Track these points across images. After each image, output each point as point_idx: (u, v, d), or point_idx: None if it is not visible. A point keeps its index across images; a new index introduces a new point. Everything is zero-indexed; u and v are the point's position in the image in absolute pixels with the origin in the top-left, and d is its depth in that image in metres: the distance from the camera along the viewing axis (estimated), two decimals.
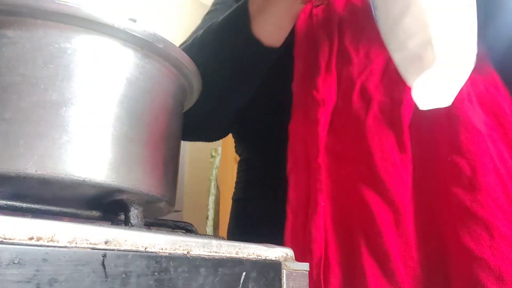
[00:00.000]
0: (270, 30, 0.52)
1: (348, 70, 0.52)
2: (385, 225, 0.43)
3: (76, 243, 0.23)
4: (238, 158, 0.72)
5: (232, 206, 0.69)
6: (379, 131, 0.47)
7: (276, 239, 0.41)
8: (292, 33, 0.56)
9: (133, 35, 0.35)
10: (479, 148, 0.44)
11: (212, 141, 0.71)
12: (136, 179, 0.35)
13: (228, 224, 0.69)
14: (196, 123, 0.57)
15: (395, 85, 0.49)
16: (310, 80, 0.52)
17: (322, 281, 0.43)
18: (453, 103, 0.43)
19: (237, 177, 0.70)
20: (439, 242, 0.44)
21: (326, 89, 0.51)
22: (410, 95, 0.46)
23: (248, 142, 0.68)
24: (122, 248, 0.25)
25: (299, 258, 0.41)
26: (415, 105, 0.45)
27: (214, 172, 2.44)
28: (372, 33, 0.52)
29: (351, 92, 0.50)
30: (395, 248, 0.43)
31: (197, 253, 0.29)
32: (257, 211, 0.61)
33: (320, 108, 0.50)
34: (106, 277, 0.24)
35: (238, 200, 0.67)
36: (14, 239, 0.21)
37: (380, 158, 0.46)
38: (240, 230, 0.65)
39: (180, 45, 0.62)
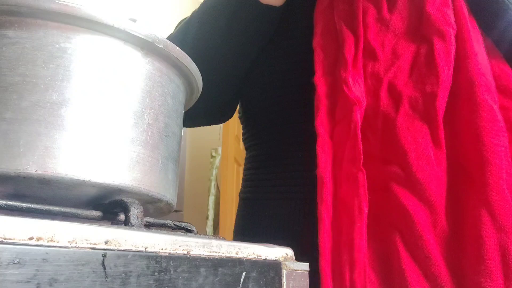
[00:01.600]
0: None
1: (374, 66, 0.50)
2: (424, 227, 0.42)
3: (76, 243, 0.23)
4: (238, 158, 0.71)
5: (239, 204, 0.67)
6: (412, 129, 0.46)
7: (285, 240, 0.40)
8: (309, 21, 0.54)
9: (133, 35, 0.35)
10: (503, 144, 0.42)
11: (214, 123, 0.69)
12: (136, 179, 0.35)
13: (235, 223, 0.67)
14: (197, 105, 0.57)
15: (427, 79, 0.47)
16: (336, 76, 0.50)
17: None
18: (474, 89, 0.42)
19: (245, 174, 0.67)
20: (475, 243, 0.42)
21: (358, 87, 0.49)
22: (443, 87, 0.45)
23: (260, 138, 0.64)
24: (122, 248, 0.25)
25: (334, 265, 0.39)
26: (451, 95, 0.45)
27: (214, 172, 2.44)
28: (398, 26, 0.51)
29: (379, 90, 0.49)
30: (436, 251, 0.42)
31: (197, 253, 0.29)
32: (267, 211, 0.59)
33: (355, 108, 0.47)
34: (106, 277, 0.24)
35: (247, 200, 0.65)
36: (14, 239, 0.21)
37: (414, 157, 0.44)
38: (249, 231, 0.62)
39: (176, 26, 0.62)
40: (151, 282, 0.26)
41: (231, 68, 0.60)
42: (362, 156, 0.45)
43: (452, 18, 0.49)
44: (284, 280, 0.34)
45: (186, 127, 0.70)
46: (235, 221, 0.68)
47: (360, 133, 0.47)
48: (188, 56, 0.41)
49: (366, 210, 0.44)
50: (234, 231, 0.67)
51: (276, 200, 0.59)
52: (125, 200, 0.32)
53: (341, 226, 0.45)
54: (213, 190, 2.42)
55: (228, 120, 0.71)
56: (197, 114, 0.60)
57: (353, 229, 0.43)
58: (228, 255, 0.31)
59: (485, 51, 0.49)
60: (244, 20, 0.54)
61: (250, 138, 0.67)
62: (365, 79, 0.50)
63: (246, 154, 0.69)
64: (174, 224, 0.40)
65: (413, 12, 0.51)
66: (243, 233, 0.64)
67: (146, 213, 0.35)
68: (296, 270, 0.35)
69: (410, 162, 0.44)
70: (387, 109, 0.48)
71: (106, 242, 0.24)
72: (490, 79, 0.47)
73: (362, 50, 0.50)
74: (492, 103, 0.45)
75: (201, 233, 0.44)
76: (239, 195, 0.68)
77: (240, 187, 0.69)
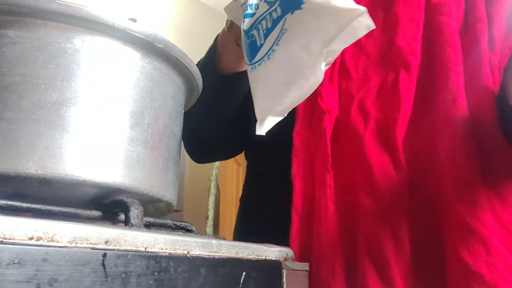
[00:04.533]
0: (234, 61, 0.60)
1: (348, 84, 0.55)
2: (384, 235, 0.45)
3: (76, 243, 0.23)
4: (238, 158, 0.74)
5: (239, 207, 0.72)
6: (376, 147, 0.50)
7: (281, 242, 0.43)
8: None
9: (133, 35, 0.35)
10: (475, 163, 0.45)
11: (228, 159, 0.78)
12: (136, 179, 0.35)
13: (234, 226, 0.71)
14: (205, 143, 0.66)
15: (390, 105, 0.51)
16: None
17: (331, 284, 0.45)
18: (450, 111, 0.46)
19: (244, 180, 0.73)
20: (437, 255, 0.45)
21: (330, 99, 0.54)
22: (403, 115, 0.50)
23: (254, 147, 0.70)
24: (122, 248, 0.25)
25: (304, 260, 0.41)
26: (410, 122, 0.50)
27: (214, 172, 2.44)
28: (371, 51, 0.56)
29: (350, 106, 0.53)
30: (394, 258, 0.45)
31: (197, 253, 0.29)
32: (262, 214, 0.62)
33: (326, 116, 0.52)
34: (106, 277, 0.24)
35: (244, 203, 0.70)
36: (14, 239, 0.21)
37: (378, 172, 0.48)
38: (246, 233, 0.66)
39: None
40: (151, 282, 0.26)
41: (225, 127, 0.67)
42: (330, 158, 0.50)
43: (418, 51, 0.54)
44: (284, 280, 0.34)
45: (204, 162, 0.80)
46: (235, 224, 0.72)
47: (329, 138, 0.51)
48: (188, 56, 0.41)
49: (332, 208, 0.48)
50: (233, 233, 0.69)
51: (271, 202, 0.62)
52: (125, 200, 0.32)
53: (312, 225, 0.49)
54: (213, 190, 2.42)
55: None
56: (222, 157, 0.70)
57: (320, 227, 0.47)
58: (228, 255, 0.31)
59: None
60: (209, 90, 0.60)
61: (246, 152, 0.74)
62: (340, 95, 0.55)
63: (247, 164, 0.74)
64: (174, 224, 0.40)
65: (386, 41, 0.55)
66: (241, 234, 0.67)
67: (146, 213, 0.35)
68: (296, 270, 0.35)
69: (375, 176, 0.48)
70: (357, 124, 0.52)
71: (106, 242, 0.24)
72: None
73: (338, 68, 0.55)
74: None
75: (201, 233, 0.44)
76: (239, 200, 0.72)
77: (240, 187, 0.71)
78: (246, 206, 0.69)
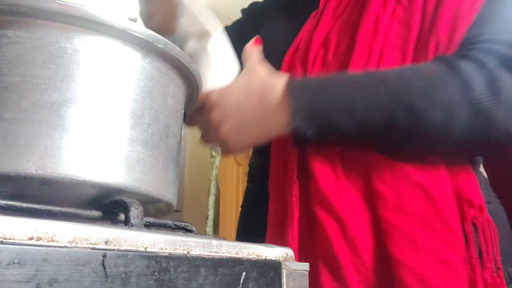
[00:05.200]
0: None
1: None
2: (334, 236, 0.51)
3: (76, 243, 0.23)
4: (238, 158, 0.76)
5: (240, 213, 0.77)
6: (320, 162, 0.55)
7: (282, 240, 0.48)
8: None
9: (133, 35, 0.35)
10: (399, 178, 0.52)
11: None
12: (136, 179, 0.35)
13: (236, 230, 0.77)
14: None
15: None
16: None
17: None
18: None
19: (246, 187, 0.78)
20: (384, 252, 0.51)
21: None
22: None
23: (251, 158, 0.76)
24: (122, 248, 0.25)
25: None
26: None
27: (214, 172, 2.44)
28: (333, 69, 0.61)
29: None
30: (345, 256, 0.50)
31: (197, 253, 0.29)
32: (259, 219, 0.65)
33: None
34: (106, 277, 0.24)
35: (243, 208, 0.75)
36: (14, 239, 0.21)
37: (322, 182, 0.54)
38: (244, 236, 0.71)
39: None
40: (151, 282, 0.26)
41: None
42: (296, 168, 0.56)
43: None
44: (284, 280, 0.34)
45: None
46: (236, 229, 0.78)
47: (296, 151, 0.56)
48: (188, 56, 0.41)
49: (297, 215, 0.54)
50: (235, 238, 0.72)
51: (262, 208, 0.66)
52: (125, 200, 0.32)
53: (281, 230, 0.56)
54: (213, 190, 2.42)
55: None
56: None
57: (286, 233, 0.54)
58: (228, 255, 0.31)
59: None
60: None
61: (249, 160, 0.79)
62: None
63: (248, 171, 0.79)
64: (174, 224, 0.40)
65: (342, 63, 0.59)
66: (242, 235, 0.72)
67: (146, 213, 0.35)
68: (296, 270, 0.35)
69: (319, 184, 0.53)
70: None
71: (106, 242, 0.24)
72: None
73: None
74: None
75: (201, 233, 0.44)
76: (241, 206, 0.77)
77: (240, 187, 0.75)
78: (244, 211, 0.75)
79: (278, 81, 0.53)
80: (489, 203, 0.58)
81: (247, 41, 0.61)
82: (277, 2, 0.77)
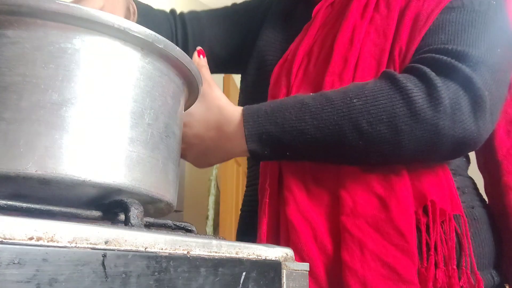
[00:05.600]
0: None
1: None
2: (306, 238, 0.55)
3: (76, 243, 0.23)
4: (238, 158, 0.76)
5: (239, 215, 0.79)
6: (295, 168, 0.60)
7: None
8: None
9: (133, 35, 0.35)
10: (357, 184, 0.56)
11: None
12: (136, 179, 0.35)
13: (236, 232, 0.79)
14: None
15: None
16: None
17: None
18: None
19: (244, 191, 0.80)
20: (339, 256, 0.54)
21: None
22: None
23: (250, 162, 0.79)
24: (122, 248, 0.25)
25: None
26: None
27: (214, 172, 2.44)
28: (313, 79, 0.65)
29: None
30: (317, 256, 0.54)
31: (197, 253, 0.29)
32: (256, 224, 0.67)
33: None
34: (106, 277, 0.24)
35: (242, 212, 0.78)
36: (14, 239, 0.21)
37: (295, 189, 0.58)
38: (244, 240, 0.71)
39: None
40: (151, 282, 0.26)
41: None
42: (269, 176, 0.62)
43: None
44: (284, 280, 0.34)
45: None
46: (236, 232, 0.80)
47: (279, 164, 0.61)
48: (188, 56, 0.41)
49: (265, 221, 0.60)
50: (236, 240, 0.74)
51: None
52: (125, 200, 0.32)
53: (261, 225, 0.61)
54: (213, 190, 2.42)
55: None
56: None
57: (261, 228, 0.60)
58: (228, 255, 0.31)
59: None
60: None
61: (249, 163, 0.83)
62: None
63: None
64: (174, 224, 0.40)
65: (322, 73, 0.62)
66: (242, 237, 0.74)
67: (146, 213, 0.35)
68: (296, 270, 0.35)
69: (292, 189, 0.58)
70: None
71: (106, 242, 0.24)
72: None
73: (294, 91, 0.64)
74: None
75: (201, 233, 0.44)
76: (240, 210, 0.79)
77: (240, 187, 0.76)
78: (242, 215, 0.77)
79: (234, 110, 0.59)
80: (472, 208, 0.61)
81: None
82: (279, 6, 0.79)
